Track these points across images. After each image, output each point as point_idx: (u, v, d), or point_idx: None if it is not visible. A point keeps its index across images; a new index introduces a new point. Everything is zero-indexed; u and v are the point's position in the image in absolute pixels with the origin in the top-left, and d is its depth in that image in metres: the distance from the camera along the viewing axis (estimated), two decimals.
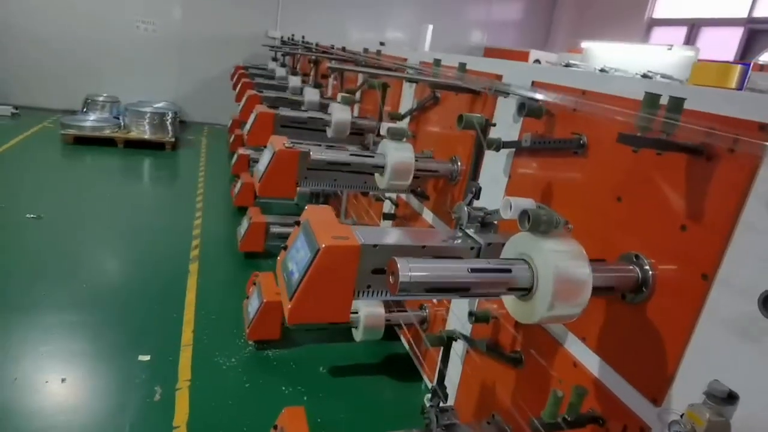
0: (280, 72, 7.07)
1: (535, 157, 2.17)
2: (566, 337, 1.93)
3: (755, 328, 1.27)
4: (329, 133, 3.76)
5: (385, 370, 3.27)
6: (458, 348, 2.63)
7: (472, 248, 1.78)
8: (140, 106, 8.05)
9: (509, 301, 1.52)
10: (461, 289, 1.37)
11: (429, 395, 2.90)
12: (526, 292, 1.43)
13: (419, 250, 1.69)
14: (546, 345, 2.02)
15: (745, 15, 8.42)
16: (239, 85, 6.56)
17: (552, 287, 1.35)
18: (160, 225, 5.17)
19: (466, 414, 2.58)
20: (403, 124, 3.52)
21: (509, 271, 1.38)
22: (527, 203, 1.54)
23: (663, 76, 6.00)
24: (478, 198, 1.91)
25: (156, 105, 8.47)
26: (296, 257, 1.75)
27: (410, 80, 3.09)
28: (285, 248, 1.92)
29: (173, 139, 7.85)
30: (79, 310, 3.46)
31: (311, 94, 4.76)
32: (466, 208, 1.84)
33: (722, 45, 8.54)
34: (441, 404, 2.29)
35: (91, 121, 7.80)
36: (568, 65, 7.37)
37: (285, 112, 3.82)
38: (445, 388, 2.35)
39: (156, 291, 3.82)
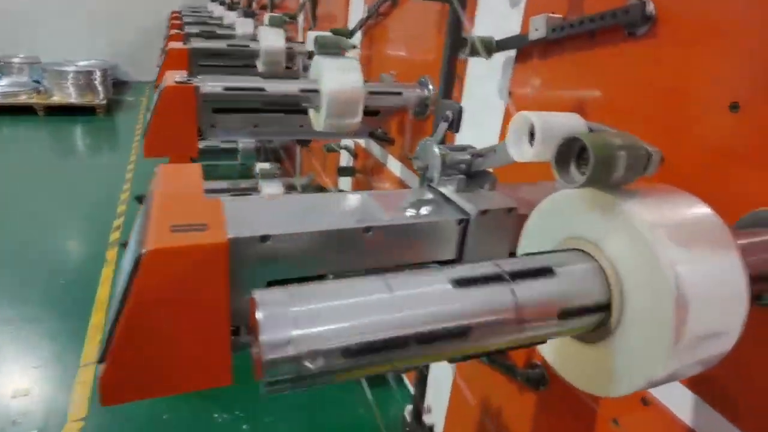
0: (219, 11, 5.97)
1: (552, 58, 1.32)
2: None
3: None
4: (260, 66, 2.85)
5: None
6: None
7: (447, 224, 0.94)
8: (63, 66, 6.90)
9: (553, 345, 0.71)
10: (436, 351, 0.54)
11: (410, 407, 2.15)
12: (594, 326, 0.62)
13: (359, 235, 0.85)
14: None
15: None
16: (168, 34, 5.48)
17: (671, 314, 0.54)
18: (78, 205, 4.23)
19: None
20: (354, 42, 2.60)
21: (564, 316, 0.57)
22: (571, 121, 0.70)
23: None
24: (457, 129, 1.06)
25: (80, 63, 7.29)
26: (124, 264, 0.90)
27: None
28: (125, 245, 1.07)
29: (104, 102, 6.77)
30: None
31: (243, 26, 3.78)
32: (436, 149, 0.99)
33: None
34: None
35: (1, 86, 6.65)
36: None
37: (198, 43, 2.87)
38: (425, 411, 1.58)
39: (59, 291, 2.96)
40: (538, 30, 1.26)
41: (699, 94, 0.94)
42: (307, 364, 0.46)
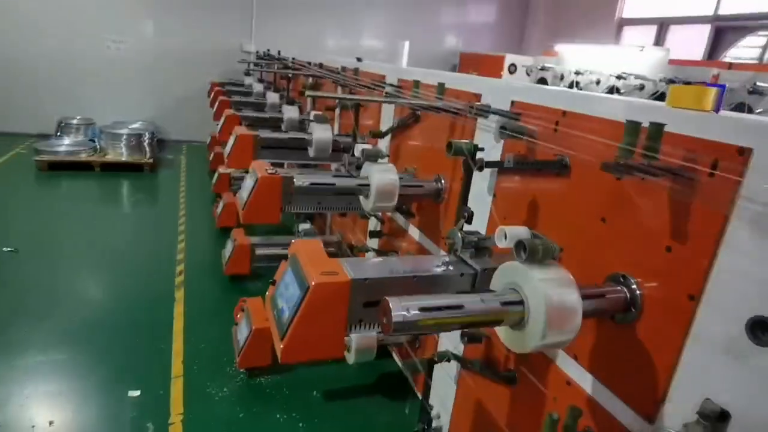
0: (258, 88, 7.03)
1: (518, 176, 2.19)
2: (558, 355, 1.94)
3: (743, 349, 1.29)
4: (311, 152, 3.75)
5: (379, 390, 3.26)
6: (451, 369, 2.63)
7: (464, 275, 1.79)
8: (116, 128, 7.93)
9: (502, 330, 1.53)
10: (455, 327, 1.37)
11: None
12: (518, 321, 1.44)
13: (410, 281, 1.69)
14: (539, 363, 2.03)
15: (711, 12, 8.62)
16: (216, 104, 6.51)
17: (544, 316, 1.36)
18: (143, 251, 5.09)
19: None
20: (385, 141, 3.52)
21: (502, 305, 1.39)
22: (522, 232, 1.55)
23: (636, 77, 6.11)
24: (470, 222, 1.92)
25: (132, 125, 8.35)
26: (285, 294, 1.73)
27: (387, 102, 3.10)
28: (273, 283, 1.90)
29: (151, 160, 7.74)
30: (63, 347, 3.38)
31: (290, 112, 4.74)
32: (459, 234, 1.85)
33: (691, 43, 8.72)
34: (427, 428, 2.29)
35: (65, 145, 7.66)
36: (543, 69, 7.47)
37: (265, 134, 3.79)
38: (431, 408, 2.35)
39: (142, 322, 3.76)
40: (509, 162, 2.13)
41: (586, 210, 1.80)
42: (406, 313, 1.28)
